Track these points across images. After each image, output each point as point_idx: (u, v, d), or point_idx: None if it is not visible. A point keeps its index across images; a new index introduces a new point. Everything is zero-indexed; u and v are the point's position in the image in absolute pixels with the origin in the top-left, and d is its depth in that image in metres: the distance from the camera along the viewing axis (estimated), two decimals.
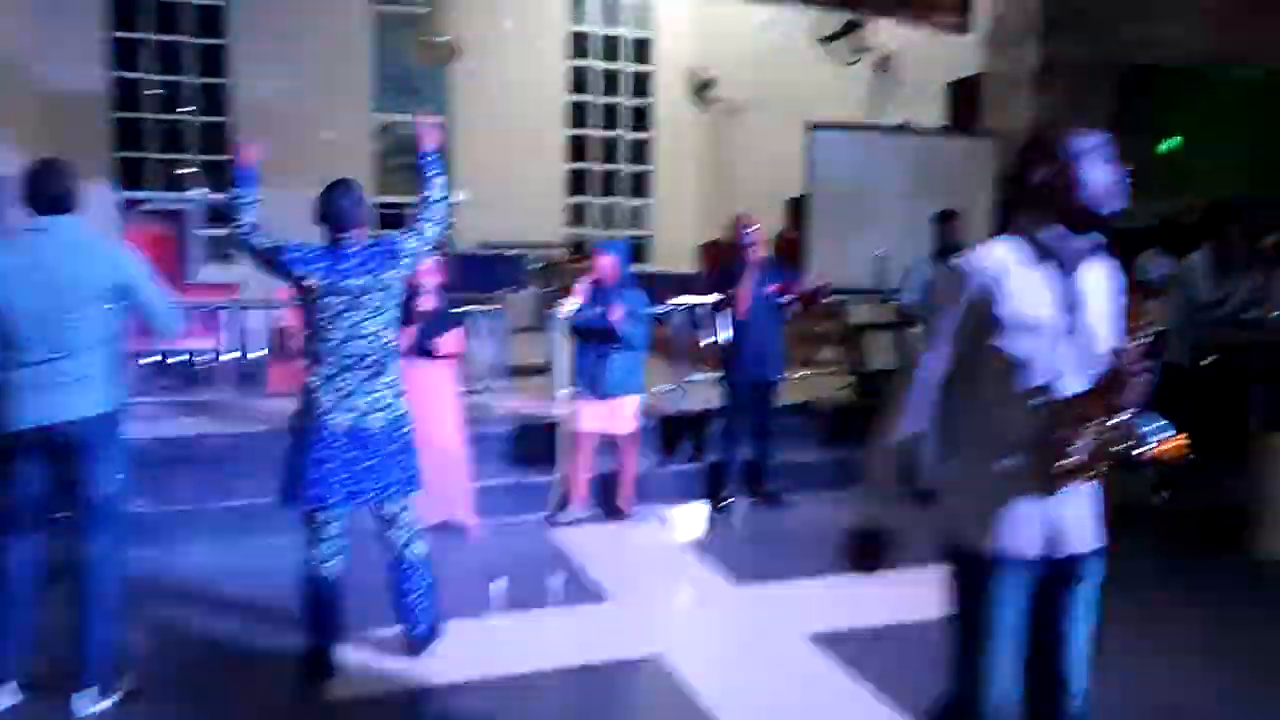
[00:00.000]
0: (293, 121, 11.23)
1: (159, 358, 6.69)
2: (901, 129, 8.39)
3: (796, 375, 7.23)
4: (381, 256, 3.38)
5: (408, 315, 4.32)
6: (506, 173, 12.38)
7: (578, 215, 14.61)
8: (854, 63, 10.67)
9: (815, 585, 4.33)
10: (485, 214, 11.40)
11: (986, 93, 8.28)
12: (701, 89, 13.46)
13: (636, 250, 13.98)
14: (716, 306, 5.84)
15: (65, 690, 3.20)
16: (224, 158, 12.59)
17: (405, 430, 3.45)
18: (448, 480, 4.84)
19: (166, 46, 12.41)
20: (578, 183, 14.55)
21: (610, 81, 14.64)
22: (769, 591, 4.52)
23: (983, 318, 2.00)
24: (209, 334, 6.58)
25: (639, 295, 5.43)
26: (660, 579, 4.80)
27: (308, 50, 12.06)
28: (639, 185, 14.93)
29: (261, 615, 4.03)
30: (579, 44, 14.29)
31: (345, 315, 3.31)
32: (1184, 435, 2.00)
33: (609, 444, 5.50)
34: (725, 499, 5.79)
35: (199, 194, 10.41)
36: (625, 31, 14.58)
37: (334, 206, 3.37)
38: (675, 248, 13.48)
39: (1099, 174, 1.99)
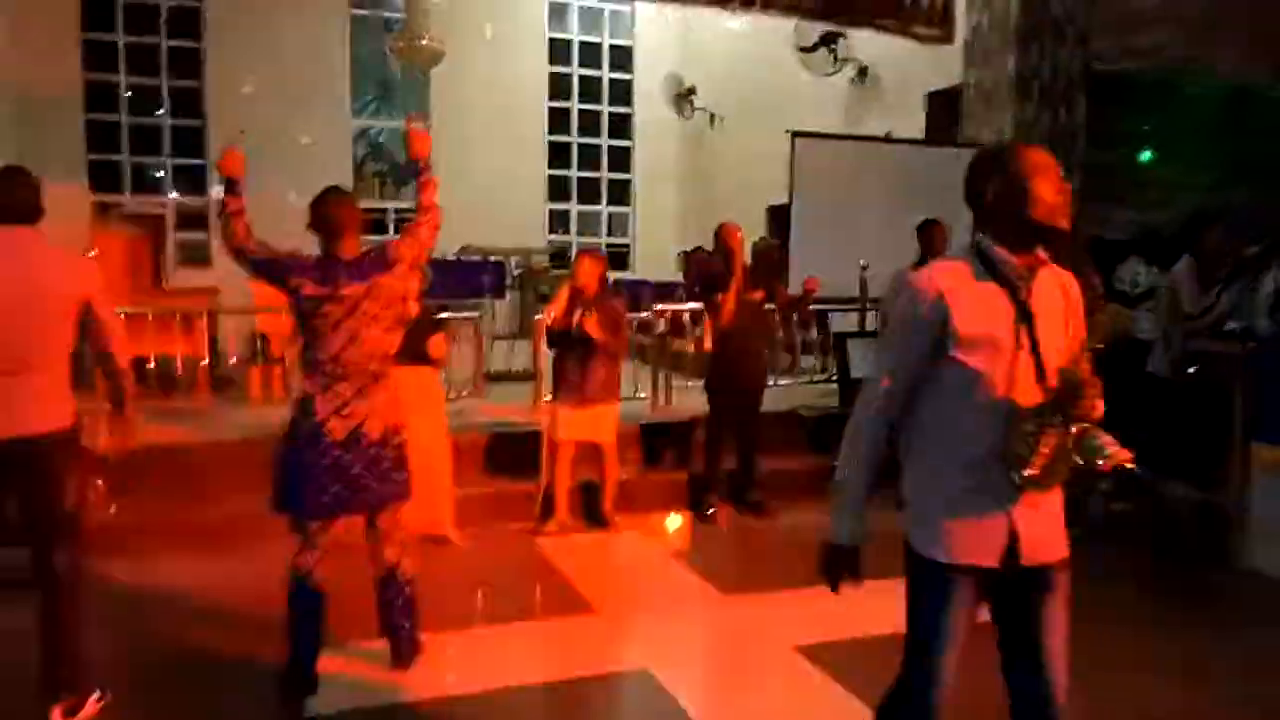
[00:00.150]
0: (269, 125, 11.14)
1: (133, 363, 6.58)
2: (883, 139, 8.44)
3: (780, 383, 7.24)
4: (376, 263, 3.32)
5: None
6: (487, 179, 12.34)
7: (558, 222, 14.59)
8: (834, 73, 10.75)
9: (802, 595, 4.29)
10: (466, 221, 11.36)
11: (965, 103, 8.36)
12: (682, 97, 13.49)
13: (617, 257, 14.02)
14: (698, 315, 5.82)
15: (41, 706, 3.11)
16: (199, 161, 12.49)
17: (399, 440, 3.40)
18: (431, 488, 4.77)
19: (141, 49, 12.28)
20: (559, 190, 14.53)
21: (591, 89, 14.64)
22: (755, 602, 4.49)
23: (938, 334, 2.04)
24: (186, 339, 6.49)
25: (619, 303, 5.38)
26: (645, 589, 4.76)
27: (285, 53, 11.98)
28: (620, 192, 14.93)
29: (240, 627, 3.95)
30: (559, 51, 14.29)
31: (341, 324, 3.25)
32: (1130, 449, 2.01)
33: (591, 452, 5.46)
34: (709, 508, 5.75)
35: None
36: (605, 39, 14.60)
37: (327, 214, 3.30)
38: (656, 255, 13.49)
39: (1048, 189, 2.02)
